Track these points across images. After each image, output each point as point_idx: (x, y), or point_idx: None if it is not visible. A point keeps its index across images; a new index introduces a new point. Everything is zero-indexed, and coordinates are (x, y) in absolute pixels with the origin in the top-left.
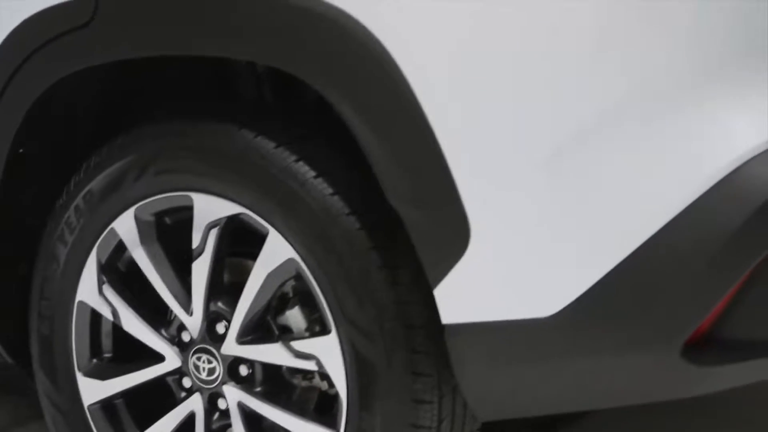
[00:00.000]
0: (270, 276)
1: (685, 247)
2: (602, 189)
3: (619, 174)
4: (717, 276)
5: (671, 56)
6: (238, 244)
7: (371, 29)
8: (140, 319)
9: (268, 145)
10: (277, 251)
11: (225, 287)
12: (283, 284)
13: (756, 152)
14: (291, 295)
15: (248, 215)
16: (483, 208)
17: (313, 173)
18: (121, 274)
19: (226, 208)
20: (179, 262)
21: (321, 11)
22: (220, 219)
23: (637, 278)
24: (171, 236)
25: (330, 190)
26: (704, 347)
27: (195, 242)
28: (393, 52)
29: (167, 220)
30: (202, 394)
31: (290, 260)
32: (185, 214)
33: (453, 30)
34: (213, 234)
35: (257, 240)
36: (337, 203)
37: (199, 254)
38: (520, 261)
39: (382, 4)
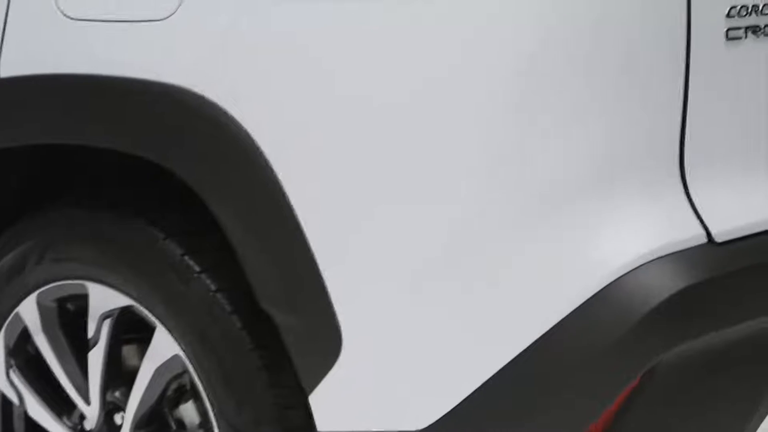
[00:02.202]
0: (158, 371)
1: (562, 360)
2: (475, 300)
3: (494, 285)
4: (594, 392)
5: (558, 164)
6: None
7: (244, 125)
8: (44, 405)
9: (157, 236)
10: (163, 347)
11: (123, 377)
12: (175, 378)
13: (639, 262)
14: (188, 387)
15: (138, 308)
16: (355, 315)
17: (197, 269)
18: (30, 359)
19: (118, 299)
20: (81, 349)
21: (196, 106)
22: (113, 310)
23: (511, 392)
24: (73, 323)
25: (213, 287)
26: None
27: (90, 332)
28: (266, 151)
29: (70, 307)
30: None
31: (176, 356)
32: (85, 302)
33: (329, 140)
34: (107, 324)
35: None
36: (220, 301)
37: (95, 344)
38: (392, 371)
39: (258, 104)
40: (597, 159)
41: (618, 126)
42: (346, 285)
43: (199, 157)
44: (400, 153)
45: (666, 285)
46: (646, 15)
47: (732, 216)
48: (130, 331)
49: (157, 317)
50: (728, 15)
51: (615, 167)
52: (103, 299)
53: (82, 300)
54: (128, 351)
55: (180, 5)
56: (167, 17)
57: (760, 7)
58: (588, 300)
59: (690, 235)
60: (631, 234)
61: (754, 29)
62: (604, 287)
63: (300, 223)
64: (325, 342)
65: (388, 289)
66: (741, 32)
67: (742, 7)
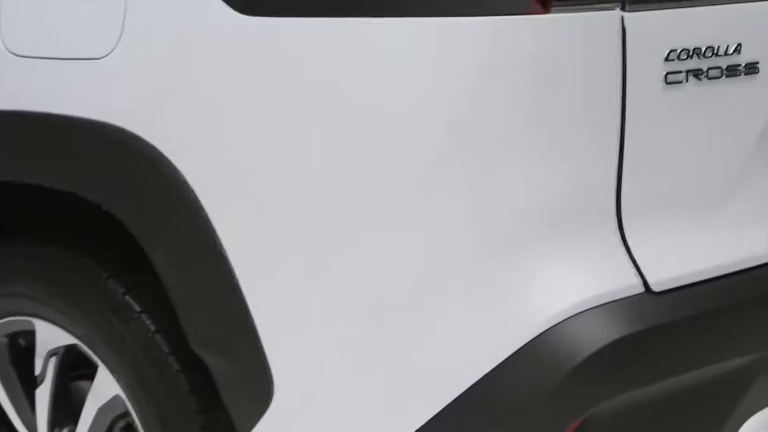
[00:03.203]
0: (101, 410)
1: (494, 408)
2: (406, 347)
3: (426, 333)
4: None
5: (491, 212)
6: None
7: (178, 165)
8: None
9: (100, 275)
10: (105, 386)
11: (72, 414)
12: (121, 417)
13: (572, 312)
14: (136, 426)
15: (81, 347)
16: (286, 361)
17: (138, 309)
18: None
19: (62, 337)
20: (31, 386)
21: (129, 146)
22: (58, 348)
23: None
24: (24, 359)
25: (153, 328)
26: None
27: (38, 369)
28: (200, 193)
29: (21, 342)
30: None
31: (117, 396)
32: (34, 339)
33: (263, 184)
34: (53, 362)
35: None
36: (158, 342)
37: (41, 381)
38: (325, 418)
39: (192, 146)
40: (531, 207)
41: (553, 174)
42: (278, 330)
43: (132, 196)
44: (332, 203)
45: (599, 335)
46: (579, 60)
47: (671, 265)
48: (81, 368)
49: (99, 356)
50: (667, 58)
51: (550, 216)
52: (49, 337)
53: (32, 336)
54: (79, 388)
55: (118, 44)
56: (105, 56)
57: (703, 50)
58: (518, 350)
59: (626, 284)
60: (565, 283)
61: (696, 73)
62: (535, 338)
63: (232, 266)
64: (257, 387)
65: (320, 334)
66: (681, 76)
67: (682, 50)
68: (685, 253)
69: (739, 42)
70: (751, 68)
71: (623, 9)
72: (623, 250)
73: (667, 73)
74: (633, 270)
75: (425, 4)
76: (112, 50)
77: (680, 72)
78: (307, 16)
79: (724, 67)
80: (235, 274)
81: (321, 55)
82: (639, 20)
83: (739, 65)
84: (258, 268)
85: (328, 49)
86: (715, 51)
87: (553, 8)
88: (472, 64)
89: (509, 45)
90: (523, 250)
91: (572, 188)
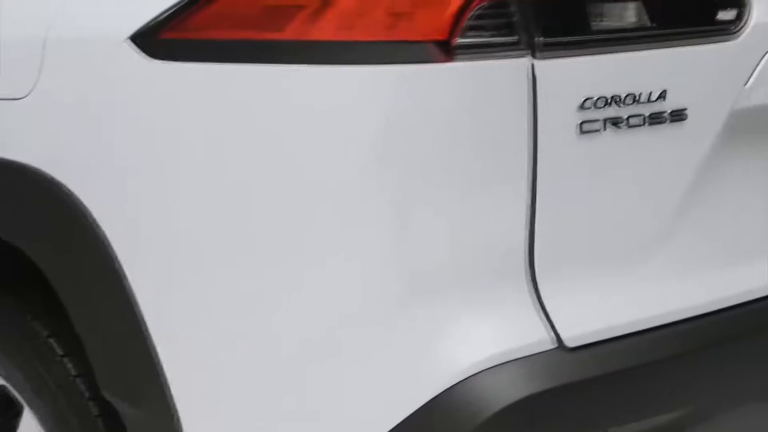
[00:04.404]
0: None
1: None
2: (317, 400)
3: (327, 391)
4: None
5: (398, 264)
6: None
7: (89, 208)
8: None
9: (25, 317)
10: (31, 429)
11: None
12: None
13: (477, 369)
14: None
15: (8, 388)
16: (195, 407)
17: (60, 352)
18: None
19: None
20: None
21: (42, 186)
22: None
23: None
24: None
25: (74, 372)
26: None
27: None
28: (109, 235)
29: None
30: None
31: None
32: None
33: (172, 228)
34: None
35: None
36: (79, 386)
37: None
38: None
39: (103, 188)
40: (439, 259)
41: (461, 226)
42: (187, 378)
43: (42, 237)
44: (243, 255)
45: (506, 393)
46: (485, 109)
47: (587, 319)
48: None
49: (24, 398)
50: (582, 107)
51: (458, 268)
52: None
53: None
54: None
55: (36, 85)
56: (23, 97)
57: (623, 98)
58: (424, 406)
59: (538, 339)
60: (474, 337)
61: (615, 121)
62: (441, 393)
63: (142, 314)
64: None
65: (231, 384)
66: (598, 125)
67: (599, 98)
68: (603, 307)
69: (664, 88)
70: (677, 115)
71: (533, 56)
72: (536, 303)
73: (582, 122)
74: (546, 324)
75: (336, 53)
76: (30, 91)
77: (597, 121)
78: (220, 62)
79: (647, 114)
80: (145, 322)
81: (234, 100)
82: (551, 68)
83: (664, 112)
84: (168, 316)
85: (241, 95)
86: (637, 98)
87: (457, 56)
88: (380, 114)
89: (413, 94)
90: (429, 303)
91: (482, 240)
